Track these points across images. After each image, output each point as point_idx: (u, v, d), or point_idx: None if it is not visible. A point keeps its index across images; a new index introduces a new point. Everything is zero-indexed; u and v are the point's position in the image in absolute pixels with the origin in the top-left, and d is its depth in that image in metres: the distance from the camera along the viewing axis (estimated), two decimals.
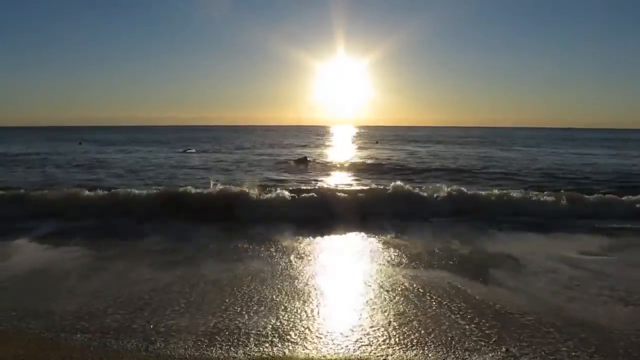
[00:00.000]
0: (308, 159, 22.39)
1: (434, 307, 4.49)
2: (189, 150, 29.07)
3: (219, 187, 9.86)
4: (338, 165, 20.45)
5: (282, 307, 4.57)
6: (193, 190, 9.65)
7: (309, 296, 4.88)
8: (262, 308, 4.56)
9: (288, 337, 3.96)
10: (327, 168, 19.41)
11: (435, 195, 9.57)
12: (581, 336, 3.89)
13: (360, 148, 35.28)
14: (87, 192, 9.75)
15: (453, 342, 3.80)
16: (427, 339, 3.88)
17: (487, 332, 3.98)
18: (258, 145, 39.14)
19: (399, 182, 10.24)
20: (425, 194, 9.61)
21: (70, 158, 24.15)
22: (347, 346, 3.81)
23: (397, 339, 3.90)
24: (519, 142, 44.06)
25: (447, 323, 4.15)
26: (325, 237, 7.48)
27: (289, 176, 16.00)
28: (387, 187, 9.93)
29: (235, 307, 4.57)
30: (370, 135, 69.98)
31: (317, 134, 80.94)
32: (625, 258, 6.18)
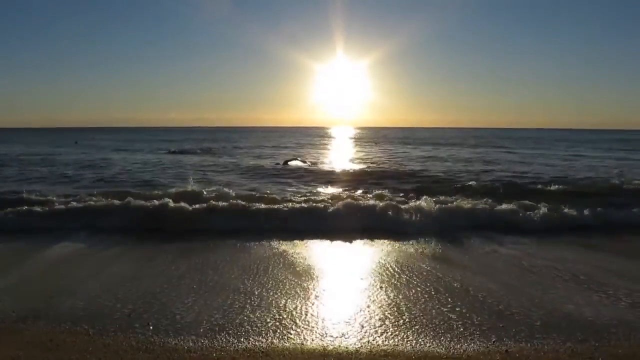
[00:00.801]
0: (290, 161, 22.22)
1: (415, 287, 5.32)
2: (172, 152, 29.77)
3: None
4: (332, 171, 19.60)
5: (282, 303, 4.69)
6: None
7: (308, 291, 4.99)
8: (263, 303, 4.72)
9: (288, 331, 4.00)
10: (322, 175, 18.51)
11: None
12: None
13: (356, 150, 35.19)
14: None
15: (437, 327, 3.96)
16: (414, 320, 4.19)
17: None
18: (253, 146, 38.99)
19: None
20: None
21: (69, 160, 24.04)
22: (347, 341, 3.84)
23: (393, 331, 3.98)
24: (516, 145, 44.07)
25: (427, 302, 4.63)
26: (320, 240, 7.57)
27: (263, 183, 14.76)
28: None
29: (239, 303, 4.70)
30: (369, 137, 69.98)
31: (316, 135, 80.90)
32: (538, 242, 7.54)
